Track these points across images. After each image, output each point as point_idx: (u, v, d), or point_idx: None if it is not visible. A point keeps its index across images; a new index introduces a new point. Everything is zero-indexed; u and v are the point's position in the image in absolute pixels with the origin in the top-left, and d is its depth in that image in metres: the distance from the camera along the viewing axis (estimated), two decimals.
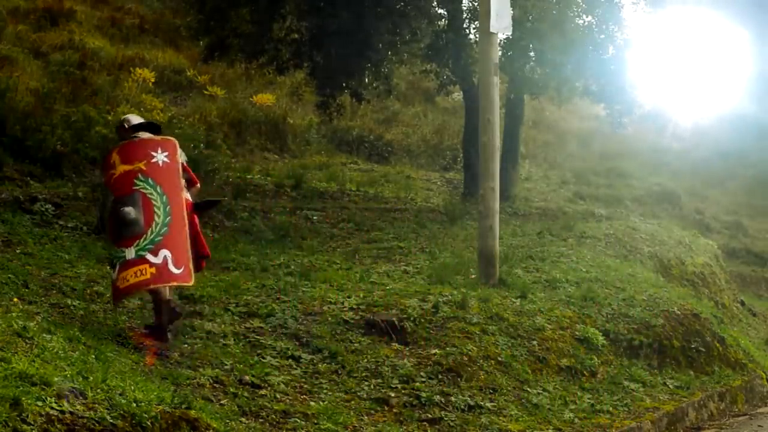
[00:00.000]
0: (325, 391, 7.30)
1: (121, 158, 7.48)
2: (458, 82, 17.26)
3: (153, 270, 7.18)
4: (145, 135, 7.71)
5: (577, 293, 10.28)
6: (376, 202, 15.99)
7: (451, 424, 7.26)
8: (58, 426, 4.70)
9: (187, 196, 7.63)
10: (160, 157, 7.44)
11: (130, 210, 7.28)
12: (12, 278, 7.89)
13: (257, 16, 15.62)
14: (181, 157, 7.68)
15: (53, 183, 12.15)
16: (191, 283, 7.47)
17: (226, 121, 18.17)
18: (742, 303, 15.84)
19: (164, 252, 7.21)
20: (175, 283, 7.40)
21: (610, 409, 8.34)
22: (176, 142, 7.70)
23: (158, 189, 7.34)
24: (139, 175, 7.36)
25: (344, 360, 7.86)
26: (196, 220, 7.78)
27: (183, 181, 7.63)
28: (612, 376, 9.13)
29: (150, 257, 7.19)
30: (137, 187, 7.34)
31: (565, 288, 10.51)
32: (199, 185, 7.97)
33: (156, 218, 7.28)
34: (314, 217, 13.92)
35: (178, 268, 7.23)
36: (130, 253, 7.24)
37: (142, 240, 7.24)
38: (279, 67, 16.80)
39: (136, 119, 8.03)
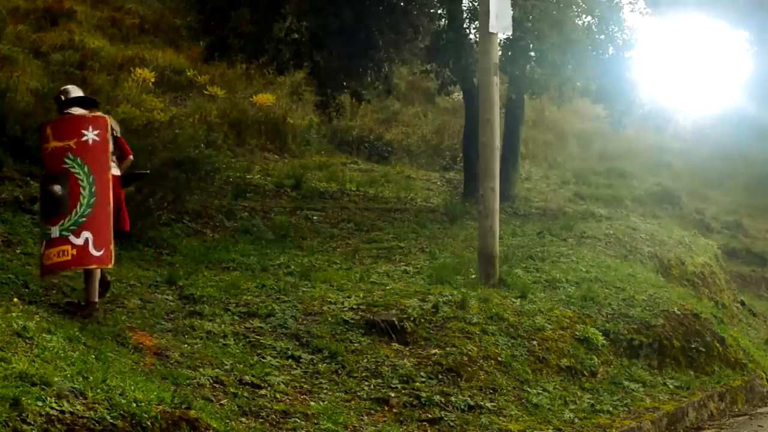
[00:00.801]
0: (325, 391, 7.31)
1: (53, 134, 7.61)
2: (458, 82, 17.25)
3: (74, 252, 7.33)
4: (78, 111, 7.82)
5: (577, 293, 10.27)
6: (376, 202, 15.99)
7: (451, 424, 7.26)
8: (58, 426, 4.70)
9: (115, 171, 7.74)
10: (91, 135, 7.55)
11: (57, 188, 7.42)
12: (12, 278, 7.89)
13: (257, 16, 15.60)
14: (117, 130, 7.83)
15: None
16: (110, 266, 7.55)
17: (226, 121, 18.17)
18: (742, 303, 15.82)
19: (86, 234, 7.35)
20: (94, 266, 7.50)
21: (610, 409, 8.34)
22: (107, 119, 7.79)
23: (86, 169, 7.46)
24: (69, 154, 7.49)
25: (344, 360, 7.86)
26: (123, 194, 7.92)
27: (113, 157, 7.75)
28: (612, 376, 9.13)
29: (72, 238, 7.34)
30: (66, 166, 7.47)
31: (565, 288, 10.50)
32: (131, 157, 8.07)
33: (81, 199, 7.40)
34: (314, 217, 13.92)
35: (98, 251, 7.37)
36: (55, 232, 7.38)
37: (66, 220, 7.37)
38: (279, 67, 16.79)
39: (75, 92, 8.12)
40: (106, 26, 20.50)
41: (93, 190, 7.43)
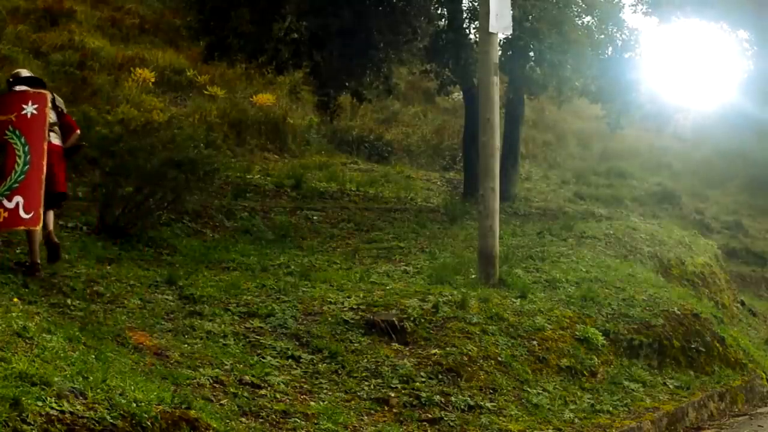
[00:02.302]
0: (325, 391, 7.30)
1: None
2: (458, 82, 17.26)
3: (6, 214, 7.88)
4: (22, 88, 8.44)
5: (577, 293, 10.27)
6: (376, 202, 15.99)
7: (451, 424, 7.25)
8: (58, 426, 4.70)
9: (56, 141, 8.37)
10: (30, 109, 8.16)
11: None
12: (12, 278, 7.89)
13: (257, 16, 15.60)
14: (63, 108, 8.54)
15: None
16: (38, 227, 8.02)
17: (226, 121, 18.18)
18: (742, 303, 15.82)
19: (18, 198, 7.89)
20: (22, 227, 8.06)
21: (610, 409, 8.33)
22: (48, 95, 8.38)
23: (22, 139, 8.05)
24: (10, 126, 8.07)
25: (344, 360, 7.85)
26: (63, 162, 8.52)
27: (55, 129, 8.39)
28: (612, 376, 9.12)
29: (5, 202, 7.90)
30: (6, 137, 8.04)
31: (565, 288, 10.50)
32: (78, 132, 8.77)
33: (16, 167, 7.97)
34: (314, 217, 13.92)
35: (28, 214, 7.90)
36: None
37: (2, 186, 7.91)
38: (279, 66, 16.79)
39: (25, 73, 8.88)
40: (106, 26, 20.51)
41: (28, 159, 7.97)
